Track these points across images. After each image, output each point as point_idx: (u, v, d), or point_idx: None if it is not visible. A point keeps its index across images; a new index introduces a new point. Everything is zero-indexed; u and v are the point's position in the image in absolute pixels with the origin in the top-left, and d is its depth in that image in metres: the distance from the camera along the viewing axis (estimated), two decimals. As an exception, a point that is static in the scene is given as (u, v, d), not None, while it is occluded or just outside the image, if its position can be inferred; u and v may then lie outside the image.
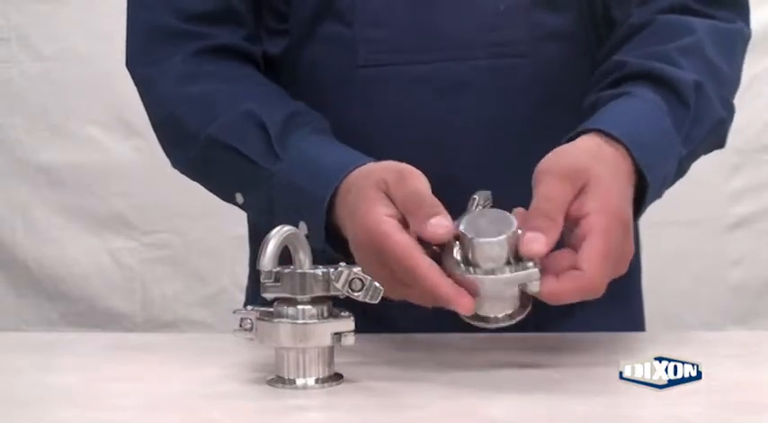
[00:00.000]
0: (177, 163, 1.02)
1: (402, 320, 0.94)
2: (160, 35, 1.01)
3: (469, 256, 0.76)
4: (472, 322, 0.77)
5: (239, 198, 0.97)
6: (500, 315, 0.77)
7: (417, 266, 0.76)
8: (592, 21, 1.01)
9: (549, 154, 0.82)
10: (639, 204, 0.86)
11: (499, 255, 0.75)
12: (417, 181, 0.81)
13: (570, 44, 1.00)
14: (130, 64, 1.03)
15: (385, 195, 0.81)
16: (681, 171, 0.92)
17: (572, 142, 0.85)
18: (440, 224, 0.77)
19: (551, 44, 0.99)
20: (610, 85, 0.95)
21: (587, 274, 0.75)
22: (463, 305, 0.75)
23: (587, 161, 0.80)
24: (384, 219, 0.79)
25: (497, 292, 0.76)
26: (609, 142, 0.84)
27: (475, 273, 0.75)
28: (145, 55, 1.02)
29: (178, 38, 1.00)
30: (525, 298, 0.77)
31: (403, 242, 0.78)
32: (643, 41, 0.96)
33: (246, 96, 0.97)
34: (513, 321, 0.77)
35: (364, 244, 0.80)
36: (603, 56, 1.00)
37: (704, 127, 0.93)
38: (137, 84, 1.03)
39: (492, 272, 0.75)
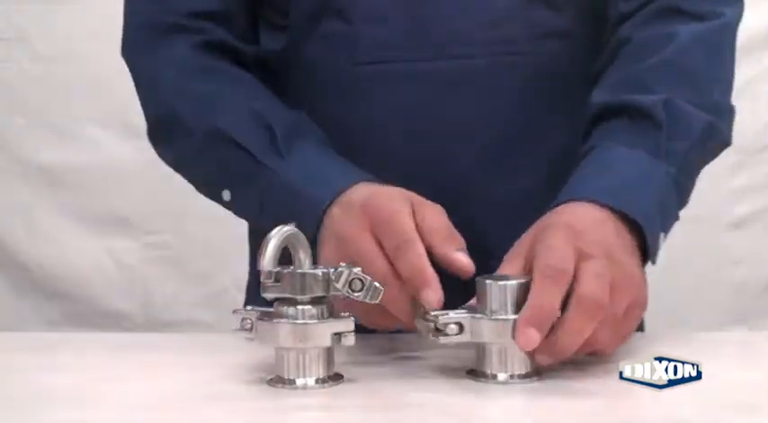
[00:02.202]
0: (165, 153, 1.02)
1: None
2: (161, 27, 1.01)
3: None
4: (477, 379, 0.77)
5: (226, 195, 0.96)
6: (506, 375, 0.77)
7: (416, 240, 0.78)
8: (591, 17, 1.01)
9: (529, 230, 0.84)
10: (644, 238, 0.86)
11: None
12: (443, 214, 0.84)
13: (569, 41, 1.00)
14: (128, 52, 1.04)
15: (411, 209, 0.82)
16: (683, 188, 0.92)
17: (553, 211, 0.85)
18: (467, 258, 0.80)
19: (551, 42, 0.99)
20: (587, 132, 0.95)
21: (537, 268, 0.76)
22: (432, 293, 0.76)
23: (536, 227, 0.83)
24: (408, 209, 0.81)
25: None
26: (578, 202, 0.85)
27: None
28: (143, 44, 1.02)
29: (177, 31, 1.00)
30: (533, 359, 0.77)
31: (414, 227, 0.80)
32: (616, 68, 0.97)
33: (253, 97, 0.97)
34: (521, 383, 0.77)
35: (376, 215, 0.81)
36: (597, 69, 1.00)
37: (688, 137, 0.92)
38: (133, 72, 1.03)
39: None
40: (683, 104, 0.92)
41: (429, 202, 0.85)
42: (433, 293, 0.76)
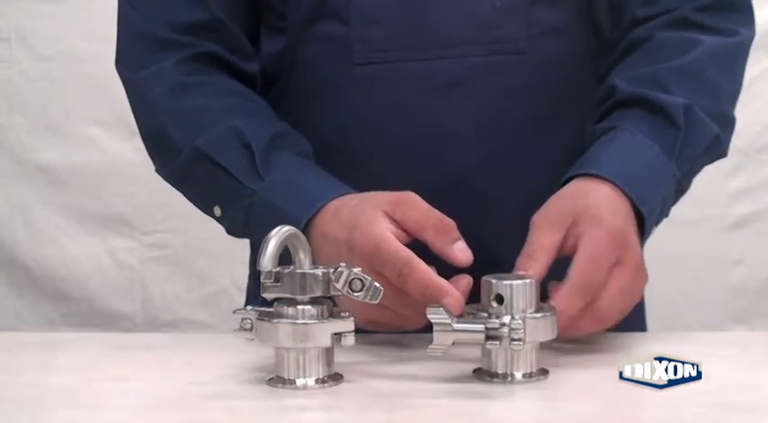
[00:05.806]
0: (161, 169, 1.03)
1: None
2: (150, 41, 1.01)
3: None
4: (483, 379, 0.78)
5: (217, 211, 0.97)
6: (516, 373, 0.77)
7: (412, 259, 0.80)
8: (589, 15, 1.01)
9: (547, 203, 0.87)
10: (643, 231, 0.89)
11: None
12: (420, 201, 0.85)
13: (567, 39, 1.00)
14: (119, 65, 1.04)
15: (388, 218, 0.84)
16: (681, 189, 0.95)
17: (568, 186, 0.89)
18: (465, 249, 0.83)
19: (549, 40, 0.99)
20: (604, 113, 0.97)
21: (575, 276, 0.80)
22: (451, 299, 0.78)
23: (575, 204, 0.85)
24: (387, 232, 0.83)
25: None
26: (603, 182, 0.88)
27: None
28: (134, 59, 1.02)
29: (167, 46, 1.00)
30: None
31: (402, 247, 0.82)
32: (638, 61, 0.98)
33: (234, 112, 0.97)
34: (528, 381, 0.77)
35: (365, 251, 0.82)
36: (606, 68, 1.01)
37: (698, 146, 0.95)
38: (125, 85, 1.04)
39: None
40: (699, 113, 0.94)
41: (401, 197, 0.86)
42: (452, 299, 0.78)
